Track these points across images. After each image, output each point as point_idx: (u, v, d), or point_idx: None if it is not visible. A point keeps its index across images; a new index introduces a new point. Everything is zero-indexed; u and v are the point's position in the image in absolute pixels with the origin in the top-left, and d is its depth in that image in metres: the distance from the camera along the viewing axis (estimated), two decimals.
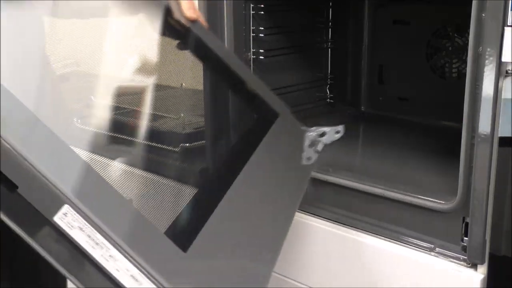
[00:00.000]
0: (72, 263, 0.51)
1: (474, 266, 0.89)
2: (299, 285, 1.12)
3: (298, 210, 1.10)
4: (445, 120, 1.33)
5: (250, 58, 1.24)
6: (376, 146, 1.25)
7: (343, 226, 1.03)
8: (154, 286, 0.51)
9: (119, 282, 0.50)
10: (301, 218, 1.09)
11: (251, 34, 1.21)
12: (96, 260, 0.50)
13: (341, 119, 1.38)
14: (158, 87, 0.97)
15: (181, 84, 1.40)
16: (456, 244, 0.90)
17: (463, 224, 0.88)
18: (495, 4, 0.76)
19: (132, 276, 0.50)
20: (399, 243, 0.96)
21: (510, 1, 0.76)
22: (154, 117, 1.05)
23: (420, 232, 0.94)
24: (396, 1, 1.40)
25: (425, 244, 0.94)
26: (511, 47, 0.77)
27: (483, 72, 0.79)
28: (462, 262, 0.90)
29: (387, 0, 1.41)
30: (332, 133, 0.86)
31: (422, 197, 0.93)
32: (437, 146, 1.21)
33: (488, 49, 0.78)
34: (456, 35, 1.30)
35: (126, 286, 0.50)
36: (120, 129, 0.91)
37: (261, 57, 1.25)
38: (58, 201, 0.49)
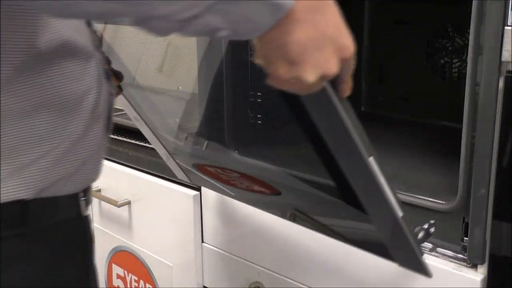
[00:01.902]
0: None
1: (474, 266, 0.89)
2: (299, 285, 1.12)
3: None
4: (445, 120, 1.33)
5: (248, 59, 1.24)
6: (376, 146, 1.25)
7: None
8: None
9: None
10: None
11: None
12: None
13: None
14: None
15: None
16: (456, 244, 0.90)
17: (463, 224, 0.88)
18: (495, 4, 0.76)
19: None
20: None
21: (510, 1, 0.76)
22: None
23: None
24: (396, 1, 1.40)
25: (425, 244, 0.94)
26: (511, 47, 0.77)
27: (483, 72, 0.79)
28: (462, 262, 0.90)
29: (387, 0, 1.41)
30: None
31: (422, 197, 0.93)
32: (437, 146, 1.21)
33: (488, 49, 0.78)
34: (456, 35, 1.30)
35: None
36: None
37: None
38: None
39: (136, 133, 1.51)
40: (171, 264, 1.36)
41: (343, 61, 0.54)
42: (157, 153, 1.39)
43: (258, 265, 1.19)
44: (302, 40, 0.50)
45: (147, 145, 1.44)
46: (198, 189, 1.27)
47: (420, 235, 0.86)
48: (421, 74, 1.37)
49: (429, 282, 0.92)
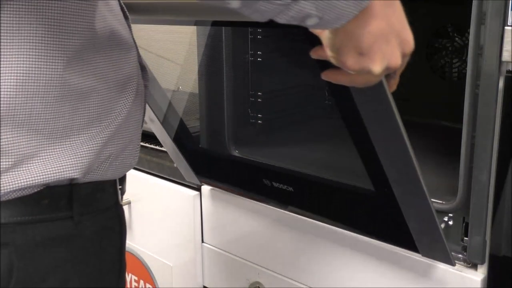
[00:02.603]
0: None
1: (474, 266, 0.89)
2: (299, 285, 1.12)
3: (298, 211, 1.11)
4: (445, 120, 1.33)
5: (249, 60, 1.24)
6: None
7: (343, 226, 1.03)
8: None
9: None
10: (301, 218, 1.09)
11: (249, 36, 1.21)
12: None
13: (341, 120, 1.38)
14: None
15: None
16: (456, 244, 0.90)
17: (463, 224, 0.88)
18: (495, 4, 0.76)
19: None
20: (379, 240, 0.96)
21: (510, 1, 0.76)
22: None
23: None
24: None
25: None
26: (511, 47, 0.77)
27: (483, 72, 0.79)
28: (462, 262, 0.90)
29: None
30: None
31: None
32: (437, 146, 1.21)
33: (488, 49, 0.78)
34: (456, 35, 1.30)
35: None
36: None
37: (259, 59, 1.25)
38: None
39: None
40: (171, 264, 1.36)
41: (404, 55, 0.58)
42: (157, 153, 1.39)
43: (258, 265, 1.19)
44: (373, 32, 0.53)
45: (147, 145, 1.44)
46: (198, 189, 1.27)
47: (442, 225, 0.89)
48: (421, 74, 1.37)
49: (429, 282, 0.93)
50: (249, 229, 1.20)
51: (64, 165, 0.62)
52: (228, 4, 0.49)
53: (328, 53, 0.57)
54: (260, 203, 1.16)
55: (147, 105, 1.02)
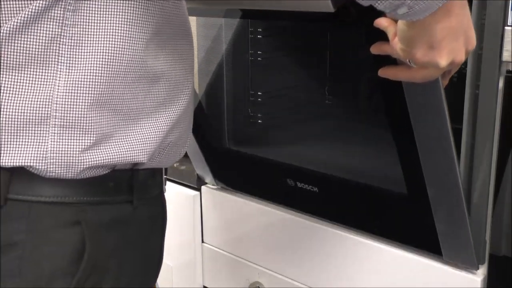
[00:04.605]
0: None
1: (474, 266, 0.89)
2: (299, 285, 1.12)
3: (298, 212, 1.11)
4: None
5: (249, 60, 1.24)
6: (377, 146, 1.25)
7: (343, 226, 1.04)
8: None
9: None
10: (301, 218, 1.09)
11: (249, 36, 1.21)
12: None
13: (340, 120, 1.38)
14: None
15: None
16: None
17: None
18: (495, 4, 0.76)
19: None
20: (399, 243, 0.96)
21: (510, 1, 0.76)
22: None
23: None
24: None
25: None
26: (511, 47, 0.77)
27: (483, 72, 0.79)
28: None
29: None
30: None
31: None
32: None
33: (488, 49, 0.78)
34: None
35: None
36: None
37: (259, 58, 1.25)
38: None
39: None
40: (171, 264, 1.36)
41: (467, 53, 0.61)
42: None
43: (258, 265, 1.19)
44: (446, 28, 0.57)
45: None
46: (198, 189, 1.27)
47: None
48: None
49: (429, 282, 0.93)
50: (249, 229, 1.20)
51: (135, 148, 0.64)
52: None
53: (398, 46, 0.60)
54: (260, 203, 1.16)
55: None
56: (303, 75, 1.40)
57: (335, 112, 1.44)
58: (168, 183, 1.31)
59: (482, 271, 0.88)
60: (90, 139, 0.60)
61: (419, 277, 0.94)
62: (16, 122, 0.58)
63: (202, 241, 1.30)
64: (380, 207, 0.98)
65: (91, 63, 0.59)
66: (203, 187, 1.26)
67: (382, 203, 0.97)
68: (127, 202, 0.66)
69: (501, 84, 0.79)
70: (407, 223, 0.94)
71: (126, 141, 0.63)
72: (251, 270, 1.20)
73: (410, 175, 0.85)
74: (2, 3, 0.56)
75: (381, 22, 0.62)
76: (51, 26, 0.58)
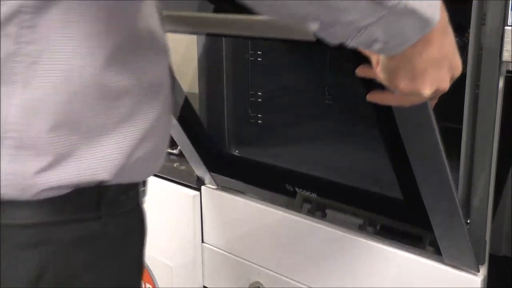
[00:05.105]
0: None
1: (474, 266, 0.89)
2: (299, 285, 1.12)
3: (298, 212, 1.11)
4: (445, 120, 1.32)
5: (249, 60, 1.24)
6: (377, 146, 1.25)
7: (343, 227, 1.03)
8: None
9: None
10: (301, 218, 1.09)
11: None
12: None
13: (340, 120, 1.38)
14: None
15: None
16: None
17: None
18: (495, 4, 0.76)
19: None
20: (399, 243, 0.96)
21: (510, 1, 0.76)
22: None
23: None
24: None
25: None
26: (511, 47, 0.77)
27: (483, 72, 0.79)
28: None
29: None
30: None
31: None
32: None
33: (488, 49, 0.78)
34: (456, 35, 1.30)
35: None
36: None
37: (259, 59, 1.25)
38: None
39: None
40: (171, 264, 1.36)
41: (452, 79, 0.61)
42: None
43: (258, 265, 1.19)
44: (428, 59, 0.56)
45: None
46: (198, 189, 1.27)
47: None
48: None
49: (429, 282, 0.92)
50: (249, 229, 1.20)
51: (96, 167, 0.62)
52: (308, 25, 0.52)
53: (380, 75, 0.59)
54: (260, 203, 1.16)
55: None
56: (303, 75, 1.40)
57: (335, 112, 1.44)
58: (168, 183, 1.32)
59: (482, 271, 0.88)
60: (46, 160, 0.58)
61: (419, 277, 0.94)
62: None
63: (202, 241, 1.30)
64: (379, 212, 0.98)
65: (48, 82, 0.56)
66: (203, 187, 1.26)
67: (380, 208, 0.97)
68: (95, 219, 0.64)
69: (501, 84, 0.79)
70: (406, 227, 0.94)
71: (86, 159, 0.61)
72: (251, 270, 1.20)
73: (404, 185, 0.85)
74: None
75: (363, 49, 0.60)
76: (5, 44, 0.55)
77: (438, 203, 0.82)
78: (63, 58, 0.57)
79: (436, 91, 0.59)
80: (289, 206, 1.11)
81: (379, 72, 0.60)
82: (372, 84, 0.62)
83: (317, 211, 1.07)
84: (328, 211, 1.06)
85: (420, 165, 0.79)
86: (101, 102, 0.60)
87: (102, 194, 0.64)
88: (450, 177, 0.77)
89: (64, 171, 0.60)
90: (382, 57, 0.58)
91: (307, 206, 1.09)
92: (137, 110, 0.65)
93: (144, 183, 0.73)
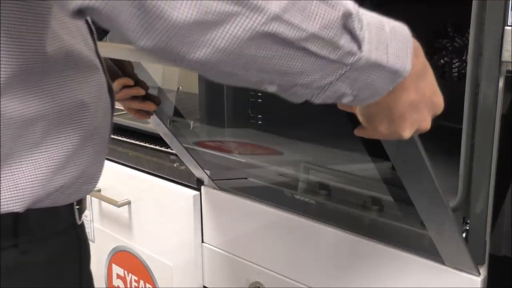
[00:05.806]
0: None
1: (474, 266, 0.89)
2: (299, 285, 1.12)
3: (298, 212, 1.11)
4: (445, 120, 1.32)
5: None
6: (377, 146, 1.25)
7: (343, 227, 1.03)
8: None
9: None
10: (301, 218, 1.09)
11: None
12: None
13: (340, 120, 1.38)
14: None
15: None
16: None
17: (463, 224, 0.88)
18: (495, 4, 0.76)
19: None
20: (399, 243, 0.96)
21: (510, 1, 0.76)
22: None
23: None
24: (396, 1, 1.40)
25: None
26: (511, 47, 0.77)
27: (483, 72, 0.79)
28: None
29: (386, 0, 1.41)
30: None
31: None
32: (437, 146, 1.20)
33: (488, 49, 0.78)
34: (456, 35, 1.30)
35: None
36: None
37: None
38: None
39: (136, 133, 1.51)
40: (171, 264, 1.36)
41: (433, 116, 0.60)
42: (157, 153, 1.39)
43: (258, 265, 1.19)
44: (405, 103, 0.55)
45: (147, 145, 1.44)
46: (198, 189, 1.27)
47: (463, 234, 0.89)
48: None
49: (429, 282, 0.92)
50: (249, 229, 1.20)
51: (4, 197, 0.57)
52: (265, 88, 0.50)
53: (359, 117, 0.59)
54: (260, 204, 1.16)
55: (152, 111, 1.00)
56: None
57: (336, 113, 1.44)
58: (168, 183, 1.32)
59: (482, 271, 0.88)
60: None
61: (418, 276, 0.94)
62: None
63: (202, 241, 1.30)
64: (378, 216, 0.97)
65: None
66: (203, 187, 1.26)
67: (379, 212, 0.97)
68: (12, 246, 0.59)
69: (501, 84, 0.79)
70: (405, 232, 0.94)
71: None
72: (251, 270, 1.20)
73: (395, 194, 0.85)
74: None
75: None
76: None
77: (430, 214, 0.81)
78: None
79: (417, 131, 0.59)
80: (289, 205, 1.11)
81: (357, 114, 0.59)
82: (357, 118, 0.61)
83: (322, 190, 1.07)
84: (332, 190, 1.06)
85: (410, 183, 0.78)
86: (4, 132, 0.56)
87: (20, 221, 0.59)
88: (441, 193, 0.76)
89: None
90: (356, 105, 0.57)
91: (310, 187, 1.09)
92: (55, 133, 0.60)
93: (79, 201, 0.68)
